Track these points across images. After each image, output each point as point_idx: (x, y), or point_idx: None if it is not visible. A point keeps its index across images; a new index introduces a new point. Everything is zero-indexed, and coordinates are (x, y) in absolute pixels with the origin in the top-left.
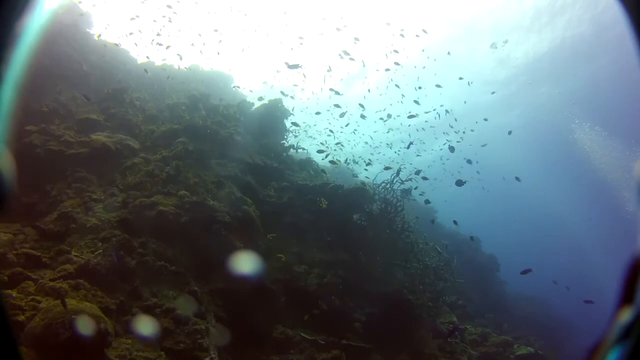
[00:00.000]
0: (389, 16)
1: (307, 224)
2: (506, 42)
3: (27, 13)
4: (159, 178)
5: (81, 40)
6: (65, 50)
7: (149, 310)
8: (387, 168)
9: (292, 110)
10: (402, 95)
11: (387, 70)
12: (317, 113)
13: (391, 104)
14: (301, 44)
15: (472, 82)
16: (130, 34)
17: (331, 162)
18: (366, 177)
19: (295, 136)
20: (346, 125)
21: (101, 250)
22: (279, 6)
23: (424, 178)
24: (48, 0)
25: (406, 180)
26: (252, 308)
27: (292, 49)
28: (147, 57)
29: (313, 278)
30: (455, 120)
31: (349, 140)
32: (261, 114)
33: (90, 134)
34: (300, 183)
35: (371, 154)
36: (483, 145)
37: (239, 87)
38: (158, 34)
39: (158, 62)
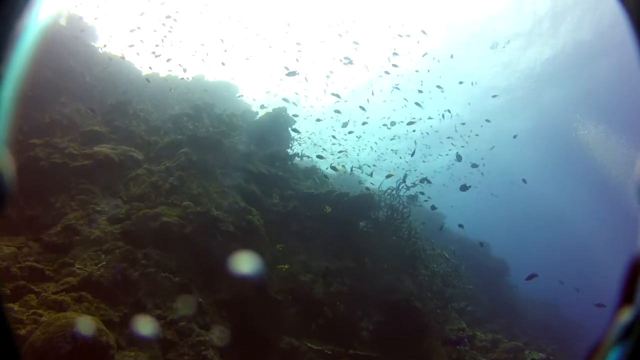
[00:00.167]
0: (392, 21)
1: (312, 232)
2: (508, 42)
3: (26, 14)
4: (163, 189)
5: (85, 53)
6: (70, 63)
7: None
8: (389, 176)
9: (296, 118)
10: (405, 99)
11: (387, 73)
12: (318, 120)
13: (394, 110)
14: (299, 51)
15: (476, 83)
16: (131, 46)
17: (333, 167)
18: (371, 183)
19: (300, 144)
20: (349, 133)
21: (104, 263)
22: (282, 16)
23: (428, 181)
24: (46, 6)
25: (411, 187)
26: (257, 318)
27: (297, 60)
28: (150, 68)
29: (319, 287)
30: (463, 124)
31: (354, 147)
32: (265, 122)
33: (94, 146)
34: (305, 191)
35: (376, 159)
36: (491, 148)
37: (243, 96)
38: (157, 45)
39: (162, 74)
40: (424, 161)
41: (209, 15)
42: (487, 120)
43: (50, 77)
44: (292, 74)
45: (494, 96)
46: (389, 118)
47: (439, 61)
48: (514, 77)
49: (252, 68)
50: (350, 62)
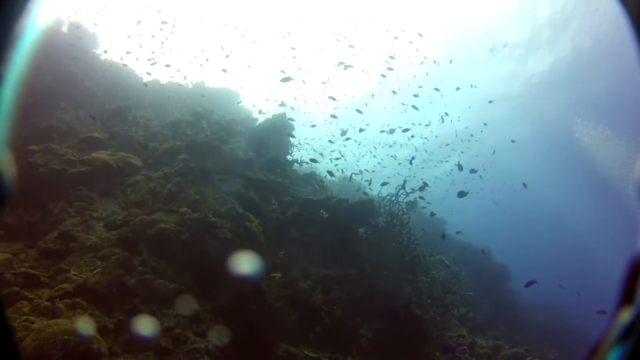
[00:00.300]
0: (393, 27)
1: (311, 238)
2: (505, 45)
3: (26, 16)
4: (161, 195)
5: (86, 60)
6: (70, 70)
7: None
8: (384, 184)
9: (292, 122)
10: (403, 104)
11: (384, 77)
12: (313, 126)
13: (394, 115)
14: (294, 57)
15: (475, 86)
16: (127, 52)
17: (329, 172)
18: (370, 189)
19: (299, 150)
20: (346, 139)
21: (100, 269)
22: (283, 23)
23: (426, 185)
24: (46, 10)
25: (410, 193)
26: (254, 325)
27: (299, 68)
28: (148, 73)
29: (318, 294)
30: (466, 127)
31: (354, 154)
32: (265, 128)
33: (93, 153)
34: (304, 198)
35: (375, 165)
36: (492, 153)
37: (244, 102)
38: (153, 52)
39: (163, 80)
40: (422, 167)
41: (210, 23)
42: (485, 124)
43: (50, 83)
44: (286, 79)
45: (490, 102)
46: (388, 125)
47: (438, 64)
48: (516, 84)
49: (253, 75)
50: (347, 67)
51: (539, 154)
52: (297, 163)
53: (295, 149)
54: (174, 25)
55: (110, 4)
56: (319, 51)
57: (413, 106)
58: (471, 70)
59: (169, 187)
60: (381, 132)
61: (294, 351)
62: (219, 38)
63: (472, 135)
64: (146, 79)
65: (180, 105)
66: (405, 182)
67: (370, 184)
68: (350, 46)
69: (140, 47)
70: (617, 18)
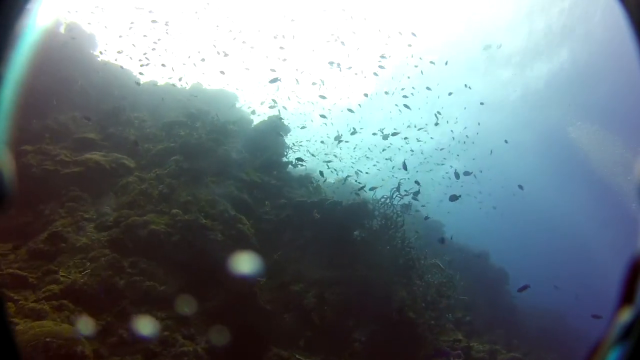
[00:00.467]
0: (395, 28)
1: (305, 241)
2: (500, 46)
3: (25, 16)
4: (153, 196)
5: (83, 61)
6: (67, 71)
7: (136, 332)
8: (372, 189)
9: (284, 121)
10: (396, 105)
11: (376, 75)
12: (303, 127)
13: (391, 117)
14: (284, 59)
15: (470, 88)
16: (119, 52)
17: (320, 172)
18: (364, 191)
19: (295, 152)
20: (339, 142)
21: (89, 270)
22: (281, 26)
23: (417, 182)
24: (45, 11)
25: (405, 195)
26: (245, 329)
27: (296, 69)
28: (141, 74)
29: (311, 297)
30: (465, 127)
31: (351, 155)
32: (260, 130)
33: (87, 153)
34: (298, 200)
35: (369, 168)
36: (490, 154)
37: (241, 105)
38: (144, 54)
39: (160, 82)
40: (417, 171)
41: (206, 24)
42: (478, 123)
43: (46, 83)
44: (274, 80)
45: (482, 103)
46: (384, 129)
47: (435, 63)
48: (514, 89)
49: (250, 77)
50: (340, 67)
51: (537, 156)
52: (292, 165)
53: (290, 150)
54: (166, 24)
55: (104, 5)
56: (314, 52)
57: (405, 105)
58: (471, 78)
59: (160, 189)
60: (373, 134)
61: (286, 355)
62: (215, 40)
63: (467, 136)
64: (142, 80)
65: (175, 107)
66: (399, 184)
67: (363, 187)
68: (342, 43)
69: (134, 45)
70: (613, 25)
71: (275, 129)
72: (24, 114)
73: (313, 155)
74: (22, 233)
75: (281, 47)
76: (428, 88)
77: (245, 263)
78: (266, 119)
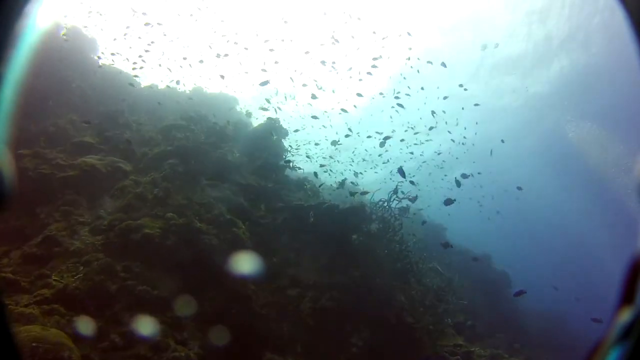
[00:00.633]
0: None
1: (302, 244)
2: (497, 46)
3: (25, 17)
4: (148, 200)
5: (84, 64)
6: (67, 74)
7: (128, 337)
8: (363, 193)
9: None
10: (393, 107)
11: (369, 74)
12: (296, 131)
13: (391, 116)
14: (275, 62)
15: (466, 89)
16: (117, 54)
17: (315, 174)
18: (360, 193)
19: (293, 155)
20: (336, 148)
21: (82, 275)
22: (278, 30)
23: (412, 183)
24: (46, 13)
25: (403, 198)
26: (240, 333)
27: (295, 70)
28: (136, 77)
29: (307, 302)
30: (466, 145)
31: (351, 159)
32: (258, 133)
33: (84, 157)
34: (295, 203)
35: (365, 171)
36: (490, 154)
37: (242, 107)
38: (140, 57)
39: (161, 85)
40: (414, 175)
41: (205, 28)
42: (476, 123)
43: (46, 86)
44: (264, 83)
45: (476, 105)
46: (381, 134)
47: (433, 64)
48: (516, 96)
49: (249, 80)
50: (337, 71)
51: (538, 159)
52: (290, 168)
53: (288, 153)
54: (159, 24)
55: (101, 9)
56: (313, 54)
57: (399, 104)
58: (474, 84)
59: (155, 192)
60: (368, 137)
61: None
62: (213, 42)
63: (465, 137)
64: (142, 83)
65: (174, 110)
66: (397, 187)
67: (357, 193)
68: (335, 41)
69: (130, 48)
70: (612, 29)
71: (273, 132)
72: (21, 116)
73: (308, 157)
74: (18, 237)
75: (271, 50)
76: (422, 88)
77: (240, 267)
78: (264, 121)
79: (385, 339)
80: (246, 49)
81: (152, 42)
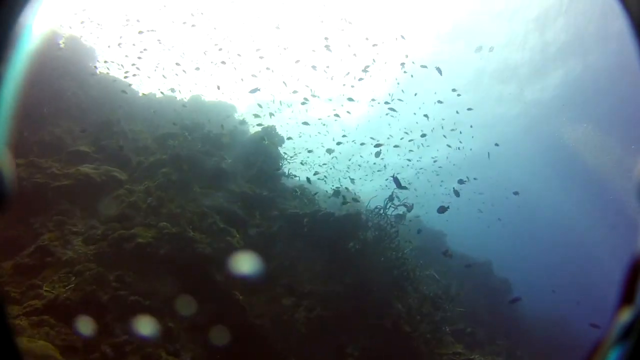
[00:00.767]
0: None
1: (297, 252)
2: (492, 49)
3: (25, 19)
4: (141, 209)
5: (82, 73)
6: (65, 83)
7: (119, 348)
8: (355, 200)
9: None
10: (389, 110)
11: (361, 80)
12: (289, 138)
13: (389, 124)
14: (268, 69)
15: (459, 94)
16: (113, 62)
17: (308, 179)
18: (354, 200)
19: (289, 162)
20: (332, 156)
21: (73, 285)
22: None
23: (405, 187)
24: (44, 19)
25: (399, 205)
26: (233, 345)
27: (296, 78)
28: (130, 85)
29: (302, 310)
30: (454, 127)
31: (348, 166)
32: (254, 141)
33: (78, 166)
34: (291, 211)
35: (359, 178)
36: (488, 156)
37: (239, 115)
38: (133, 64)
39: (158, 94)
40: (410, 183)
41: (200, 36)
42: (471, 126)
43: (43, 95)
44: (254, 90)
45: (469, 109)
46: (378, 140)
47: (433, 66)
48: (515, 103)
49: (246, 88)
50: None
51: (538, 165)
52: (285, 176)
53: (285, 161)
54: (152, 31)
55: (98, 17)
56: (304, 61)
57: (391, 108)
58: (473, 93)
59: (149, 202)
60: (362, 144)
61: None
62: (210, 50)
63: (461, 141)
64: (138, 91)
65: (171, 118)
66: (393, 195)
67: (347, 202)
68: (327, 46)
69: (127, 56)
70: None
71: (268, 139)
72: (17, 124)
73: (302, 164)
74: (11, 247)
75: (261, 57)
76: (415, 94)
77: (234, 276)
78: (259, 129)
79: (382, 348)
80: (239, 55)
81: (145, 50)
